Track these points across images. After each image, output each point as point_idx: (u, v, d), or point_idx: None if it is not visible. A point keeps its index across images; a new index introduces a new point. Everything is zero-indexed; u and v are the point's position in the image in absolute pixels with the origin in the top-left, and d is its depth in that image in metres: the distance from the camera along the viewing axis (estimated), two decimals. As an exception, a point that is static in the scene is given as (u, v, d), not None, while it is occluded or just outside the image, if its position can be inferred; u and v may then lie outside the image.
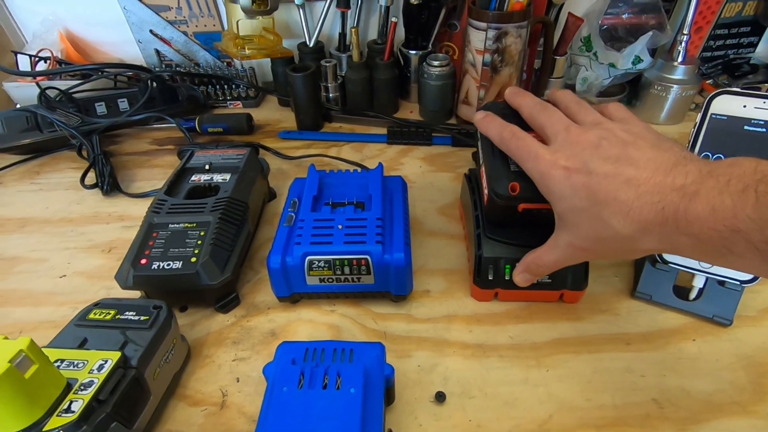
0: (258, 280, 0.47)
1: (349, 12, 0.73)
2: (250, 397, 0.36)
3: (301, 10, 0.74)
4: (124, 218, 0.56)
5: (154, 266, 0.40)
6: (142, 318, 0.35)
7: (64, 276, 0.48)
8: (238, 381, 0.38)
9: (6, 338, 0.26)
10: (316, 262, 0.40)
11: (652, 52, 0.71)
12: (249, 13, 0.67)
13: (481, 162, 0.44)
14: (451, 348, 0.39)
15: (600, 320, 0.41)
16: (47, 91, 0.66)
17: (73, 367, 0.30)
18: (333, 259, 0.40)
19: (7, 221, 0.56)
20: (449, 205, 0.56)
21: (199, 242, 0.42)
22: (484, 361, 0.38)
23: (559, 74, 0.71)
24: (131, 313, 0.35)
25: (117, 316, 0.35)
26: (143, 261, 0.41)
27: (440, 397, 0.35)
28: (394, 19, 0.69)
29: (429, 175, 0.61)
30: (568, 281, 0.41)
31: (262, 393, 0.36)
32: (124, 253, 0.50)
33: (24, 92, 0.75)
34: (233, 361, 0.39)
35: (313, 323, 0.42)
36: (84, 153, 0.67)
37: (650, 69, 0.70)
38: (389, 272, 0.40)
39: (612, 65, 0.70)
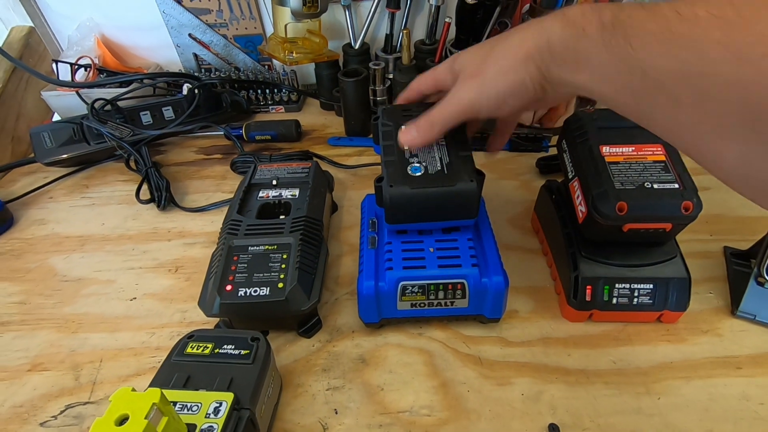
0: (335, 302, 0.45)
1: (398, 12, 0.71)
2: (352, 431, 0.35)
3: (347, 11, 0.71)
4: (184, 234, 0.55)
5: (241, 293, 0.39)
6: (243, 352, 0.34)
7: (135, 299, 0.47)
8: (336, 413, 0.36)
9: (133, 390, 0.25)
10: (410, 288, 0.38)
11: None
12: (299, 16, 0.65)
13: (571, 175, 0.42)
14: (552, 374, 0.38)
15: (703, 342, 0.40)
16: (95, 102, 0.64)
17: (188, 410, 0.29)
18: (428, 284, 0.38)
19: (65, 239, 0.55)
20: (519, 215, 0.54)
21: (283, 266, 0.41)
22: (590, 388, 0.37)
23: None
24: (230, 346, 0.34)
25: (216, 350, 0.34)
26: (228, 288, 0.39)
27: (554, 430, 0.34)
28: (447, 20, 0.67)
29: (493, 184, 0.59)
30: (671, 301, 0.39)
31: (363, 426, 0.35)
32: (191, 273, 0.50)
33: (63, 101, 0.74)
34: (327, 390, 0.38)
35: (402, 347, 0.41)
36: (132, 164, 0.65)
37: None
38: (486, 296, 0.39)
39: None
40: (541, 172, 0.61)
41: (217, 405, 0.29)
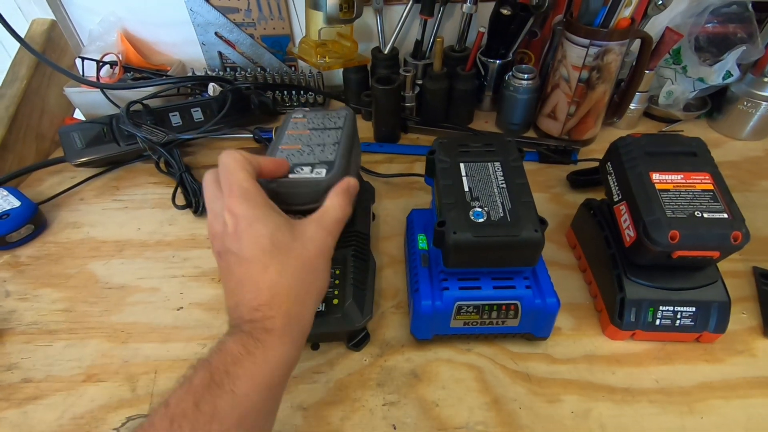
0: (381, 315, 0.46)
1: (430, 20, 0.71)
2: (413, 446, 0.37)
3: (378, 15, 0.71)
4: (223, 242, 0.55)
5: (299, 309, 0.39)
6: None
7: (182, 308, 0.47)
8: (395, 429, 0.38)
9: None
10: (465, 307, 0.39)
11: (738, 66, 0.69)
12: (333, 21, 0.65)
13: (617, 198, 0.44)
14: (598, 392, 0.40)
15: (740, 362, 0.42)
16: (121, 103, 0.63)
17: None
18: (482, 304, 0.39)
19: (102, 244, 0.55)
20: (553, 230, 0.55)
21: (337, 281, 0.41)
22: (636, 406, 0.39)
23: (645, 88, 0.69)
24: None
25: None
26: (286, 304, 0.40)
27: (606, 448, 0.36)
28: (481, 29, 0.67)
29: (525, 196, 0.60)
30: (711, 323, 0.41)
31: (423, 441, 0.36)
32: (235, 282, 0.50)
33: (86, 98, 0.73)
34: (383, 405, 0.39)
35: (453, 363, 0.42)
36: (162, 166, 0.65)
37: (738, 84, 0.69)
38: (538, 316, 0.40)
39: (701, 79, 0.68)
40: (572, 187, 0.62)
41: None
